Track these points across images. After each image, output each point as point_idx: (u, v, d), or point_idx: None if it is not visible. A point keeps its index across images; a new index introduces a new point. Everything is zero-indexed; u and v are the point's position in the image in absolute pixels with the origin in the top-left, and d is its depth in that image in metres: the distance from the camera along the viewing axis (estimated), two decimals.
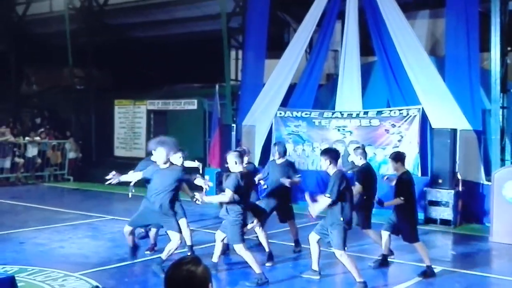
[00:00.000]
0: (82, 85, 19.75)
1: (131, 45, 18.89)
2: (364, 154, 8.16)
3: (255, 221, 7.39)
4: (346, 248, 6.62)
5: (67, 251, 8.33)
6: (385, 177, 8.41)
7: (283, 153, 8.53)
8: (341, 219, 6.50)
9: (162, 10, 17.28)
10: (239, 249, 6.77)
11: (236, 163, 6.84)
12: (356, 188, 7.71)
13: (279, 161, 8.46)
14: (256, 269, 6.73)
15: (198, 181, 7.11)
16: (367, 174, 7.95)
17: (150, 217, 7.06)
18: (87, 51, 18.42)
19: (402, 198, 7.19)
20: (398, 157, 7.51)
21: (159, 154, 6.92)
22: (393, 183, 7.51)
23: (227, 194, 6.64)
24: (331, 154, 6.78)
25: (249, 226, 7.19)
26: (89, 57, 18.55)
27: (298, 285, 6.93)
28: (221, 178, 9.97)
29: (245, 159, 8.02)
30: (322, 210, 6.64)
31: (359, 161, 8.05)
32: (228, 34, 14.86)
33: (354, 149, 8.37)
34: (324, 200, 6.51)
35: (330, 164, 6.63)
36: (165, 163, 6.95)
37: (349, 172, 9.12)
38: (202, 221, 10.61)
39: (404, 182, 7.30)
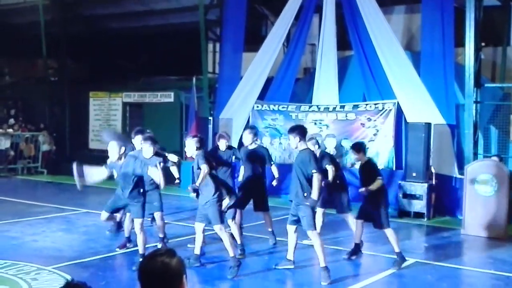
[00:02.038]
0: (56, 76, 19.45)
1: (107, 36, 18.64)
2: (317, 143, 8.49)
3: (227, 198, 7.34)
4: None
5: (40, 245, 8.22)
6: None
7: (253, 137, 8.39)
8: (307, 202, 6.55)
9: (139, 1, 17.09)
10: (219, 229, 6.77)
11: (197, 149, 6.94)
12: (331, 169, 8.06)
13: (251, 146, 8.40)
14: (231, 252, 6.73)
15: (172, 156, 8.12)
16: (330, 156, 8.53)
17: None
18: (61, 42, 18.15)
19: (380, 178, 7.33)
20: (360, 147, 7.71)
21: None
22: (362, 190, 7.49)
23: (204, 168, 6.70)
24: (299, 130, 6.80)
25: (224, 203, 7.16)
26: (64, 48, 18.28)
27: (273, 277, 6.94)
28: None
29: (223, 142, 8.23)
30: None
31: (317, 151, 8.18)
32: (205, 26, 14.76)
33: (307, 140, 8.52)
34: (316, 178, 6.49)
35: (299, 141, 6.68)
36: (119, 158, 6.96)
37: None
38: (177, 214, 10.57)
39: (372, 167, 7.57)
